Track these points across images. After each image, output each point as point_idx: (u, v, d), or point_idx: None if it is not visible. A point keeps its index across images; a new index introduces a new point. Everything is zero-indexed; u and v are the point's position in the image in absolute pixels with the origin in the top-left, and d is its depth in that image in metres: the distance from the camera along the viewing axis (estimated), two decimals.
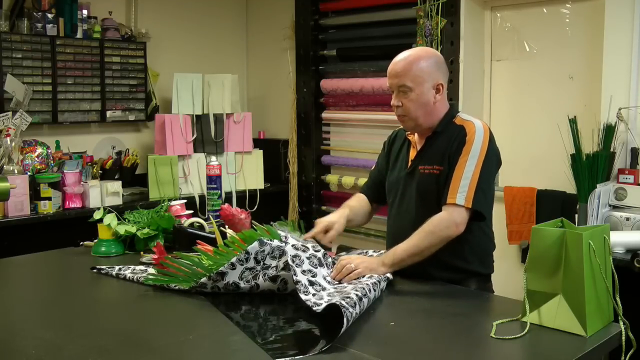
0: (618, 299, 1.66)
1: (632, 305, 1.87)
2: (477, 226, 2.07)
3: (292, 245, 1.91)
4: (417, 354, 1.53)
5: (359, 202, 2.34)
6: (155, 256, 2.11)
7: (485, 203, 2.02)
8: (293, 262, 1.84)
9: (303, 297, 1.75)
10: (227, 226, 2.38)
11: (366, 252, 2.19)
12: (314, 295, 1.77)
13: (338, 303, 1.58)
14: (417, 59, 2.05)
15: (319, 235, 2.13)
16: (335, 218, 2.19)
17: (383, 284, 1.90)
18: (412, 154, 2.16)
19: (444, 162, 2.04)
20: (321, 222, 2.18)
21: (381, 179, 2.31)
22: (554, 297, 1.63)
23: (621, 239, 2.65)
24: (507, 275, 3.54)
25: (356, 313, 1.62)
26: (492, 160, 2.04)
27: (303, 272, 1.85)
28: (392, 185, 2.23)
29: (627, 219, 2.82)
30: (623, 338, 1.62)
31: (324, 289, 1.83)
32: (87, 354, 1.49)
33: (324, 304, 1.66)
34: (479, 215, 2.01)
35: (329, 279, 1.91)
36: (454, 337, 1.62)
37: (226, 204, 2.46)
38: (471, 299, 1.93)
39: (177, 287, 1.96)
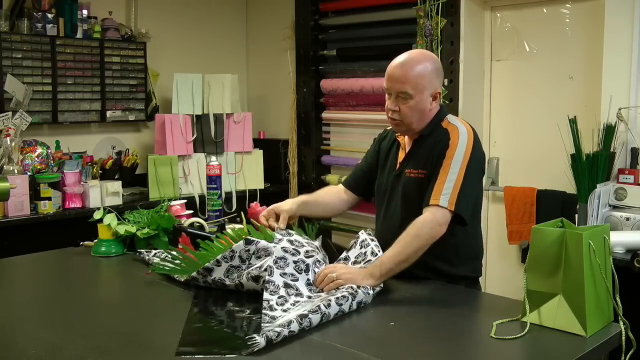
0: (618, 299, 1.66)
1: (632, 305, 1.87)
2: (464, 230, 2.05)
3: (282, 248, 1.89)
4: (417, 354, 1.53)
5: (325, 192, 2.38)
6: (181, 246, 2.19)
7: (467, 208, 2.00)
8: (275, 263, 1.83)
9: (266, 295, 1.73)
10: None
11: (365, 252, 2.11)
12: (279, 297, 1.75)
13: (269, 335, 1.50)
14: (418, 65, 2.03)
15: (272, 223, 2.14)
16: (283, 204, 2.20)
17: (362, 297, 1.81)
18: (401, 155, 2.17)
19: (427, 167, 2.05)
20: (269, 210, 2.19)
21: (367, 172, 2.32)
22: (554, 297, 1.63)
23: (621, 239, 2.65)
24: (507, 275, 3.55)
25: (290, 332, 1.55)
26: (475, 165, 2.02)
27: (283, 274, 1.83)
28: (380, 187, 2.23)
29: (627, 219, 2.82)
30: (623, 338, 1.62)
31: (299, 294, 1.80)
32: (87, 354, 1.49)
33: (276, 316, 1.64)
34: (461, 219, 1.99)
35: (312, 286, 1.88)
36: (454, 337, 1.62)
37: (255, 202, 2.48)
38: (471, 299, 1.94)
39: (177, 278, 2.05)
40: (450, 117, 2.14)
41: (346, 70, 4.31)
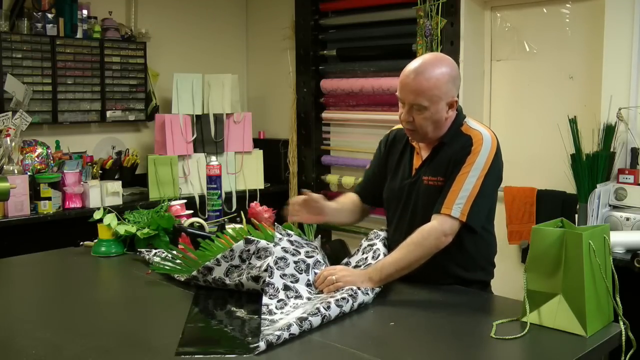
0: (618, 299, 1.66)
1: (632, 305, 1.87)
2: (479, 238, 2.01)
3: (282, 248, 1.89)
4: (417, 354, 1.53)
5: (348, 199, 2.28)
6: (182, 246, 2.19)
7: (479, 218, 1.95)
8: (275, 263, 1.83)
9: (265, 300, 1.73)
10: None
11: (366, 257, 2.07)
12: (279, 301, 1.75)
13: (270, 339, 1.50)
14: (433, 75, 1.92)
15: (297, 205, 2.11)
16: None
17: (362, 298, 1.81)
18: (417, 161, 2.08)
19: (447, 174, 1.98)
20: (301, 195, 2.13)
21: (373, 180, 2.24)
22: (554, 297, 1.63)
23: (621, 239, 2.65)
24: (507, 275, 3.55)
25: (290, 334, 1.54)
26: (493, 174, 1.96)
27: (283, 275, 1.82)
28: (393, 193, 2.14)
29: (627, 219, 2.82)
30: (623, 338, 1.62)
31: (298, 296, 1.80)
32: (87, 354, 1.49)
33: (275, 324, 1.62)
34: (471, 228, 1.94)
35: (312, 287, 1.87)
36: (454, 337, 1.62)
37: (255, 202, 2.49)
38: (471, 299, 1.93)
39: (178, 277, 2.05)
40: (469, 121, 2.05)
41: (346, 70, 4.31)
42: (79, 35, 3.99)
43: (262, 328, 1.60)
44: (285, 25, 4.63)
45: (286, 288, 1.80)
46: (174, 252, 2.16)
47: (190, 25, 4.71)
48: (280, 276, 1.81)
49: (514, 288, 2.19)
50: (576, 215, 3.00)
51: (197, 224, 2.50)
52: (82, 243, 2.58)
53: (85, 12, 4.02)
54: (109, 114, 4.15)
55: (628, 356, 1.63)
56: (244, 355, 1.46)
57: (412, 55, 3.83)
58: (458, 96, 2.06)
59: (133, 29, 4.31)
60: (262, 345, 1.48)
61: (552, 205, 3.34)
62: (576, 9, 3.38)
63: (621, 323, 1.64)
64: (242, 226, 2.47)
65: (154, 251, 2.32)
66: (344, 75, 4.31)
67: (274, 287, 1.78)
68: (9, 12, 3.76)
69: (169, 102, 4.32)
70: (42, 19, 3.82)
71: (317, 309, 1.66)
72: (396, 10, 3.96)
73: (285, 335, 1.53)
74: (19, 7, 3.77)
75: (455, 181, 1.93)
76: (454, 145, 1.99)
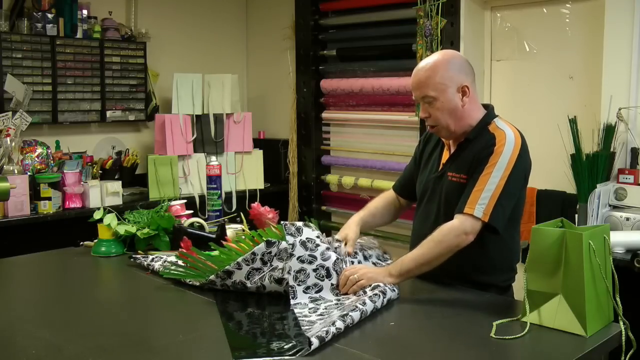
0: (618, 299, 1.66)
1: (632, 305, 1.87)
2: (499, 241, 2.00)
3: (298, 258, 1.86)
4: (417, 354, 1.53)
5: (380, 201, 2.31)
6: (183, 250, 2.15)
7: (502, 219, 1.94)
8: (295, 279, 1.84)
9: (297, 311, 1.77)
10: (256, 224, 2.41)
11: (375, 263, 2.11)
12: (310, 309, 1.77)
13: (320, 335, 1.52)
14: (436, 66, 1.99)
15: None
16: (348, 230, 2.14)
17: (390, 294, 1.84)
18: (445, 157, 2.11)
19: (470, 172, 1.98)
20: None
21: (412, 175, 2.26)
22: (554, 297, 1.64)
23: (621, 239, 2.65)
24: None
25: (337, 329, 1.56)
26: (518, 174, 1.96)
27: (307, 289, 1.84)
28: (420, 186, 2.18)
29: (627, 219, 2.82)
30: (623, 338, 1.62)
31: (327, 301, 1.84)
32: (87, 354, 1.49)
33: (315, 324, 1.64)
34: (494, 229, 1.93)
35: (337, 290, 1.90)
36: (454, 337, 1.62)
37: (256, 203, 2.47)
38: (471, 299, 1.93)
39: (190, 282, 2.01)
40: (498, 121, 2.06)
41: (346, 70, 4.31)
42: (79, 35, 4.00)
43: (303, 328, 1.61)
44: (285, 25, 4.63)
45: (313, 300, 1.84)
46: (186, 258, 2.08)
47: (190, 25, 4.71)
48: (303, 291, 1.83)
49: (514, 288, 2.19)
50: (576, 215, 3.00)
51: (197, 224, 2.51)
52: (82, 243, 2.58)
53: (85, 12, 4.03)
54: (109, 114, 4.15)
55: (628, 356, 1.63)
56: (303, 356, 1.46)
57: (412, 56, 3.85)
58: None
59: (133, 29, 4.31)
60: (314, 341, 1.48)
61: (552, 205, 3.34)
62: (576, 9, 3.38)
63: (621, 323, 1.64)
64: (241, 226, 2.47)
65: (150, 257, 2.28)
66: (344, 75, 4.31)
67: (301, 305, 1.81)
68: (9, 12, 3.76)
69: (169, 102, 4.32)
70: (42, 19, 3.82)
71: (355, 305, 1.69)
72: (396, 10, 3.96)
73: (333, 329, 1.55)
74: (19, 7, 3.78)
75: (478, 181, 1.93)
76: (478, 143, 2.00)
